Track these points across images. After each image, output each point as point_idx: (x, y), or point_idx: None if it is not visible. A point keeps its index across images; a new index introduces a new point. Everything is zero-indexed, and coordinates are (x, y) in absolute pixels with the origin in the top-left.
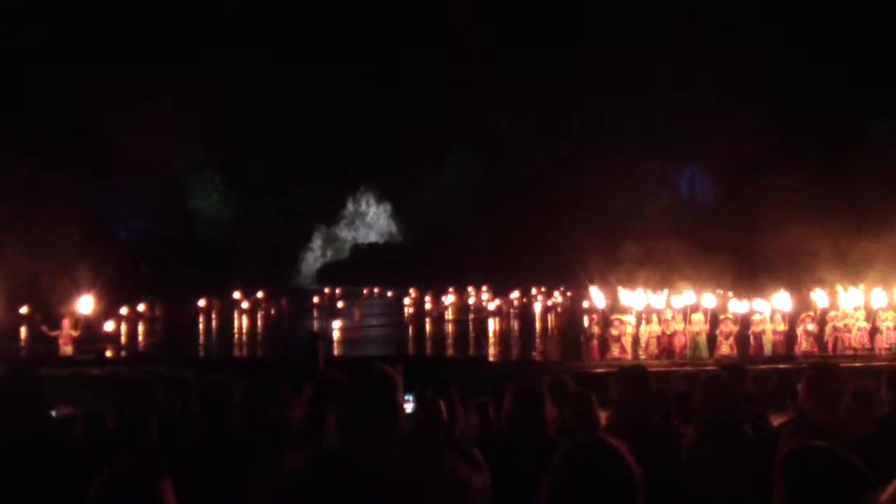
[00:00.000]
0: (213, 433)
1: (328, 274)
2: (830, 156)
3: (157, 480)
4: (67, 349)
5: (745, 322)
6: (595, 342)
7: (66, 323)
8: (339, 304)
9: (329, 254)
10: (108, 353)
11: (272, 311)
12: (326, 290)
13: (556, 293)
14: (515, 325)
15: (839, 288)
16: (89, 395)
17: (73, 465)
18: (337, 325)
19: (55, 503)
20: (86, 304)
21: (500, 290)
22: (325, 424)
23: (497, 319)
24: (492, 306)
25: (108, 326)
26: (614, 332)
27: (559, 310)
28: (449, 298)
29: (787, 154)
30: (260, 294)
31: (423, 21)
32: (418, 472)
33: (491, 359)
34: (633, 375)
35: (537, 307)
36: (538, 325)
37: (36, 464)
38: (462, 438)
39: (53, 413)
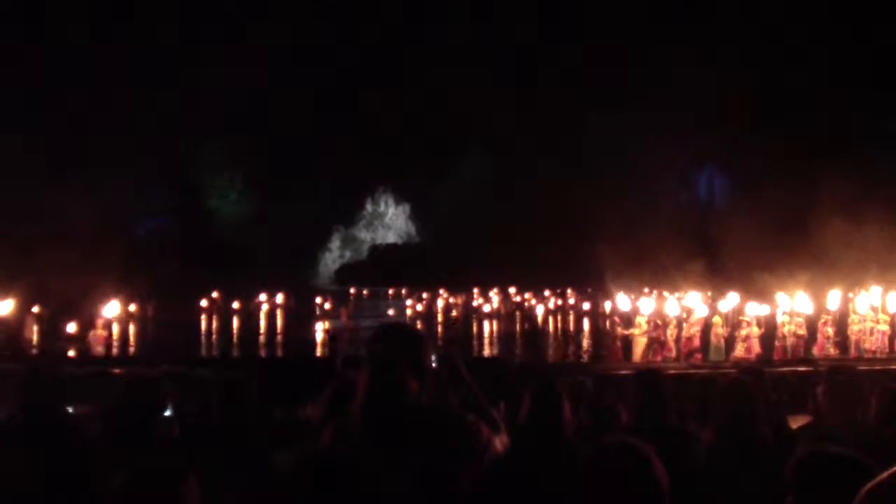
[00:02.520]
0: (231, 431)
1: (346, 275)
2: (846, 157)
3: (182, 478)
4: (99, 349)
5: (763, 324)
6: (619, 344)
7: (98, 323)
8: (327, 306)
9: (347, 254)
10: (71, 353)
11: (278, 312)
12: (352, 291)
13: (570, 294)
14: (526, 326)
15: (861, 291)
16: (107, 393)
17: (89, 463)
18: (321, 326)
19: (71, 500)
20: (112, 307)
21: (522, 291)
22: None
23: (496, 321)
24: (487, 308)
25: (71, 328)
26: (653, 333)
27: (572, 313)
28: (453, 300)
29: (805, 154)
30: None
31: (432, 23)
32: (442, 433)
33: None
34: (648, 378)
35: (540, 309)
36: (544, 326)
37: (53, 461)
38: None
39: (70, 409)
